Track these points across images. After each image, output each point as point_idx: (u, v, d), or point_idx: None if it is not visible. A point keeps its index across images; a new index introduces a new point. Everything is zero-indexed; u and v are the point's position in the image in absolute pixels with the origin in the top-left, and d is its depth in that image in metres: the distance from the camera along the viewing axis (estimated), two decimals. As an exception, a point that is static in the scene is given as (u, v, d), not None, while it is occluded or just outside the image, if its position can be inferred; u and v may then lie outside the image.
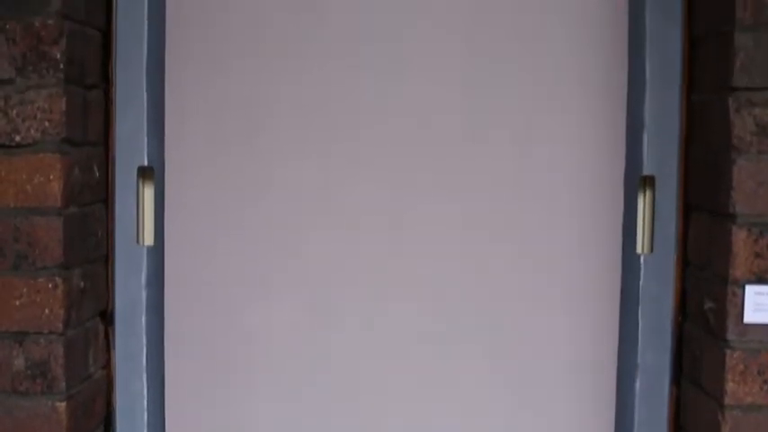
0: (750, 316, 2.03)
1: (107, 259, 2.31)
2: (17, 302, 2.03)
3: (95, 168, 2.22)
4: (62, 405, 2.05)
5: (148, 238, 2.34)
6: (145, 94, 2.31)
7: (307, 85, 2.38)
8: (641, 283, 2.30)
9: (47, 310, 2.04)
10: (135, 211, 2.32)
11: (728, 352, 2.04)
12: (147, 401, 2.34)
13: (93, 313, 2.23)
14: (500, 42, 2.37)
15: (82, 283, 2.14)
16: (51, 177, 2.02)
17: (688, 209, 2.28)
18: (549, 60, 2.37)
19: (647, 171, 2.29)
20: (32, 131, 2.01)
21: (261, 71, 2.37)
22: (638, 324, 2.30)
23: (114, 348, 2.32)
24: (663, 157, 2.28)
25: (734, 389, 2.04)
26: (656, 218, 2.30)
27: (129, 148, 2.30)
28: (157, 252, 2.35)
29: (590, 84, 2.37)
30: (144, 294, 2.32)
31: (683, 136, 2.28)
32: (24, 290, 2.03)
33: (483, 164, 2.38)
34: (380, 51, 2.37)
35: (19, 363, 2.04)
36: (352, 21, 2.37)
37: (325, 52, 2.37)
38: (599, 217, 2.38)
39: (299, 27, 2.37)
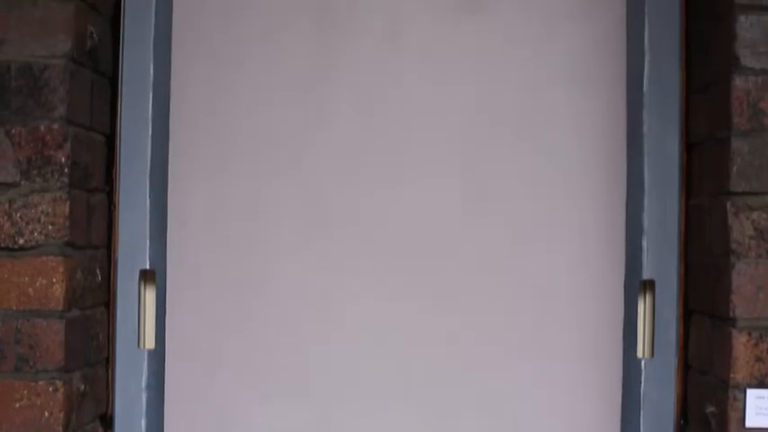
0: (752, 420, 2.02)
1: (108, 362, 2.30)
2: (17, 405, 2.02)
3: (97, 271, 2.23)
4: None
5: (149, 342, 2.34)
6: (148, 198, 2.32)
7: (307, 190, 2.39)
8: (642, 387, 2.30)
9: (47, 413, 2.03)
10: (136, 314, 2.32)
11: (731, 457, 2.04)
12: (146, 507, 2.32)
13: (93, 416, 2.22)
14: (500, 146, 2.39)
15: (82, 386, 2.13)
16: (54, 280, 2.02)
17: (688, 313, 2.28)
18: (549, 165, 2.39)
19: (647, 275, 2.30)
20: (36, 234, 2.02)
21: (262, 176, 2.39)
22: (639, 428, 2.29)
23: (113, 453, 2.31)
24: (663, 262, 2.29)
25: (737, 493, 2.03)
26: (657, 322, 2.31)
27: (132, 251, 2.31)
28: (158, 355, 2.34)
29: (589, 189, 2.38)
30: (144, 397, 2.31)
31: (683, 240, 2.29)
32: (25, 392, 2.02)
33: (482, 269, 2.38)
34: (380, 157, 2.39)
35: (18, 466, 2.03)
36: (353, 126, 2.39)
37: (326, 156, 2.39)
38: (600, 321, 2.38)
39: (300, 131, 2.39)
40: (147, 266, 2.32)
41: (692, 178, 2.27)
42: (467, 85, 2.39)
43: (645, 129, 2.31)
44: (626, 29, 2.38)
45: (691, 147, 2.28)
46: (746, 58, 2.03)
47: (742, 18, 2.04)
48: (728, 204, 2.04)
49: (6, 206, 2.02)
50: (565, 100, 2.39)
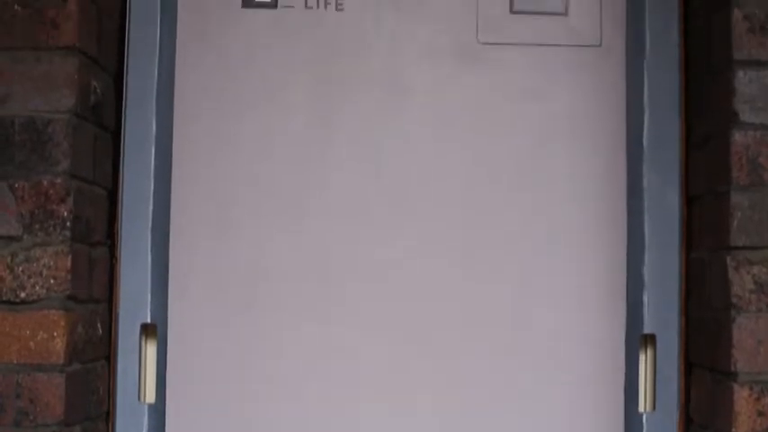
0: (754, 475, 2.02)
1: (108, 416, 2.30)
2: (17, 459, 2.02)
3: (99, 325, 2.23)
4: None
5: (150, 396, 2.34)
6: (149, 252, 2.33)
7: (309, 245, 2.39)
8: (644, 441, 2.30)
9: (47, 467, 2.03)
10: (137, 368, 2.32)
11: None
12: None
13: (93, 471, 2.21)
14: (500, 201, 2.39)
15: (82, 441, 2.13)
16: (55, 334, 2.02)
17: (689, 367, 2.28)
18: (549, 219, 2.39)
19: (647, 329, 2.30)
20: (37, 288, 2.03)
21: (263, 230, 2.39)
22: (642, 483, 2.29)
23: (113, 508, 2.30)
24: (663, 316, 2.30)
25: None
26: (658, 376, 2.30)
27: (133, 304, 2.32)
28: (159, 410, 2.34)
29: (589, 242, 2.39)
30: (144, 452, 2.32)
31: (683, 294, 2.29)
32: (25, 447, 2.02)
33: (483, 324, 2.38)
34: (382, 211, 2.40)
35: None
36: (354, 181, 2.40)
37: (328, 211, 2.40)
38: (600, 375, 2.37)
39: (302, 186, 2.40)
40: (149, 320, 2.32)
41: (693, 232, 2.28)
42: (467, 139, 2.40)
43: (645, 183, 2.33)
44: (625, 84, 2.39)
45: (691, 201, 2.29)
46: (745, 114, 2.05)
47: (740, 73, 2.05)
48: (729, 258, 2.04)
49: (8, 260, 2.02)
50: (565, 153, 2.40)
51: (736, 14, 2.06)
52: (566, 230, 2.39)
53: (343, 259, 2.39)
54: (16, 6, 2.05)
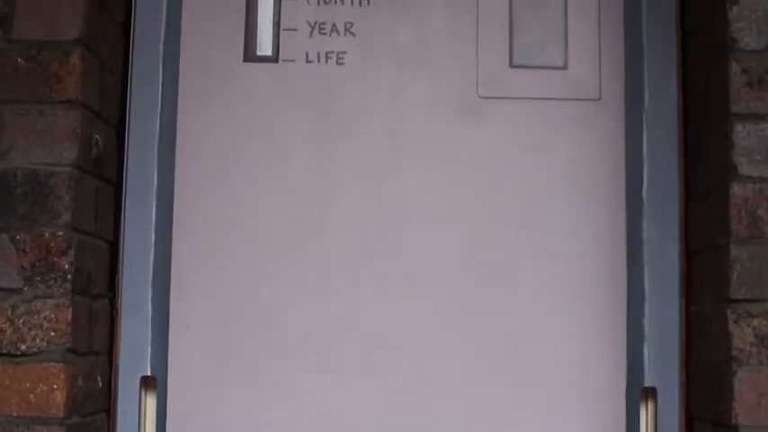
0: None
1: (107, 470, 2.29)
2: None
3: (99, 378, 2.22)
4: None
5: (149, 449, 2.34)
6: (150, 304, 2.33)
7: (307, 295, 2.39)
8: (646, 495, 2.29)
9: None
10: (137, 421, 2.31)
11: None
12: None
13: None
14: (499, 254, 2.40)
15: (81, 494, 2.12)
16: (55, 387, 2.02)
17: (690, 420, 2.27)
18: (549, 272, 2.39)
19: (648, 383, 2.30)
20: (38, 341, 2.02)
21: (263, 281, 2.39)
22: None
23: None
24: (664, 369, 2.29)
25: None
26: (659, 429, 2.29)
27: (133, 357, 2.31)
28: (158, 463, 2.33)
29: (589, 296, 2.39)
30: (144, 505, 2.31)
31: (684, 347, 2.29)
32: (24, 500, 2.01)
33: (483, 375, 2.37)
34: (381, 262, 2.40)
35: None
36: (353, 230, 2.41)
37: (327, 261, 2.40)
38: (601, 428, 2.36)
39: (301, 235, 2.41)
40: (149, 373, 2.32)
41: (693, 285, 2.28)
42: (468, 191, 2.41)
43: (645, 236, 2.33)
44: (625, 137, 2.41)
45: (690, 254, 2.30)
46: (744, 167, 2.06)
47: (739, 127, 2.06)
48: (729, 311, 2.04)
49: (9, 312, 2.02)
50: (565, 206, 2.40)
51: (735, 68, 2.07)
52: (566, 283, 2.39)
53: (343, 308, 2.39)
54: (20, 60, 2.07)
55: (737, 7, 2.08)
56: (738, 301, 2.04)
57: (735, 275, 2.04)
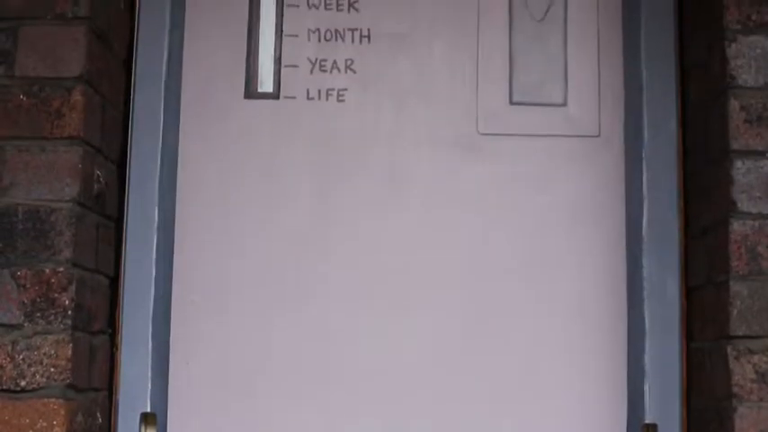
0: None
1: (106, 507, 2.28)
2: None
3: (98, 414, 2.22)
4: None
5: (149, 486, 2.33)
6: (150, 340, 2.33)
7: (309, 332, 2.39)
8: None
9: None
10: (136, 457, 2.31)
11: None
12: None
13: None
14: (500, 290, 2.40)
15: None
16: (54, 423, 2.01)
17: (691, 457, 2.27)
18: (549, 308, 2.39)
19: (649, 419, 2.29)
20: (38, 377, 2.02)
21: (264, 318, 2.39)
22: None
23: None
24: (664, 406, 2.28)
25: None
26: (660, 466, 2.29)
27: (133, 393, 2.31)
28: (157, 500, 2.32)
29: (590, 332, 2.38)
30: None
31: (684, 384, 2.29)
32: None
33: (484, 411, 2.37)
34: (382, 300, 2.40)
35: None
36: (354, 269, 2.41)
37: (328, 299, 2.40)
38: (602, 466, 2.36)
39: (302, 274, 2.41)
40: (149, 409, 2.31)
41: (693, 322, 2.28)
42: (468, 228, 2.42)
43: (645, 273, 2.33)
44: (624, 173, 2.41)
45: (690, 290, 2.30)
46: (743, 203, 2.06)
47: (738, 163, 2.07)
48: (729, 348, 2.04)
49: (9, 348, 2.02)
50: (565, 243, 2.41)
51: (734, 105, 2.08)
52: (566, 319, 2.39)
53: (343, 348, 2.39)
54: (22, 96, 2.08)
55: (736, 45, 2.10)
56: (739, 337, 2.04)
57: (735, 312, 2.04)
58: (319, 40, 2.47)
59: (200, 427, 2.37)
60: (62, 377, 2.03)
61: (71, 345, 2.04)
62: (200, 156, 2.44)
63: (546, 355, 2.38)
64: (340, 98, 2.46)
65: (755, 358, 2.03)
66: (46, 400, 2.02)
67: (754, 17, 2.10)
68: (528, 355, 2.38)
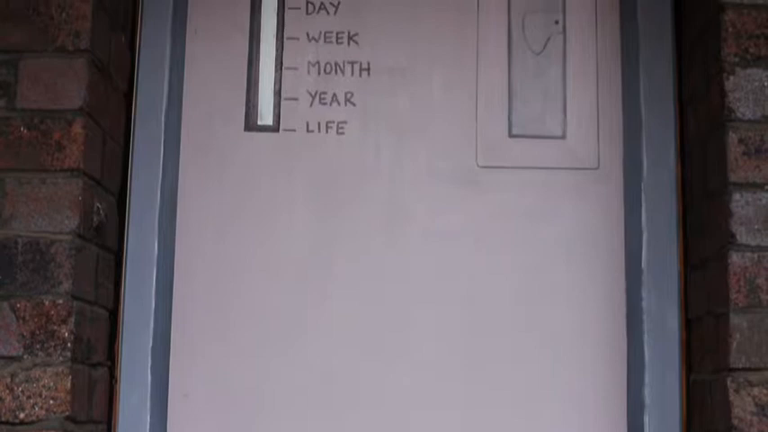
0: None
1: None
2: None
3: (97, 447, 2.22)
4: None
5: None
6: (149, 373, 2.32)
7: (308, 369, 2.39)
8: None
9: None
10: (136, 489, 2.31)
11: None
12: None
13: None
14: (499, 326, 2.40)
15: None
16: (53, 455, 2.02)
17: (692, 490, 2.26)
18: (549, 342, 2.39)
19: (649, 452, 2.29)
20: (37, 409, 2.02)
21: (264, 352, 2.39)
22: None
23: None
24: (665, 438, 2.29)
25: None
26: (661, 499, 2.29)
27: (132, 425, 2.30)
28: None
29: (590, 365, 2.38)
30: None
31: (684, 416, 2.28)
32: None
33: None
34: (382, 338, 2.40)
35: None
36: (354, 306, 2.41)
37: (327, 336, 2.40)
38: (603, 499, 2.36)
39: (302, 311, 2.41)
40: (148, 442, 2.31)
41: (693, 354, 2.28)
42: (468, 260, 2.42)
43: (644, 305, 2.33)
44: (623, 206, 2.42)
45: (690, 323, 2.30)
46: (742, 236, 2.06)
47: (737, 196, 2.07)
48: (729, 380, 2.04)
49: (8, 380, 2.02)
50: (564, 275, 2.41)
51: (732, 137, 2.09)
52: (565, 353, 2.39)
53: (344, 382, 2.38)
54: (23, 128, 2.08)
55: (734, 78, 2.10)
56: (738, 369, 2.03)
57: (734, 344, 2.04)
58: (319, 73, 2.48)
59: (200, 460, 2.37)
60: (61, 409, 2.02)
61: (70, 377, 2.04)
62: (200, 188, 2.45)
63: (545, 388, 2.38)
64: (340, 131, 2.47)
65: (755, 391, 2.03)
66: (45, 432, 2.02)
67: (751, 50, 2.11)
68: (527, 388, 2.38)
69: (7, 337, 2.03)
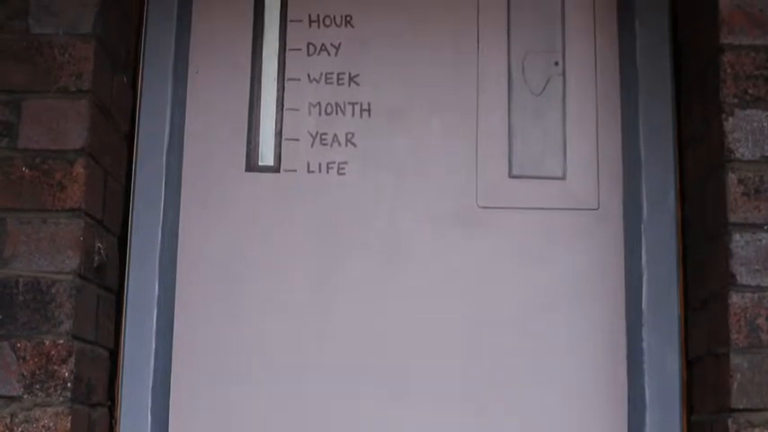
0: None
1: None
2: None
3: (97, 487, 2.21)
4: None
5: None
6: (149, 413, 2.32)
7: (308, 405, 2.38)
8: None
9: None
10: None
11: None
12: None
13: None
14: (499, 366, 2.40)
15: None
16: (52, 495, 2.01)
17: None
18: (548, 384, 2.39)
19: (651, 494, 2.29)
20: (36, 449, 2.02)
21: (263, 391, 2.39)
22: None
23: None
24: (666, 478, 2.28)
25: None
26: None
27: (132, 466, 2.30)
28: None
29: (590, 406, 2.38)
30: None
31: (686, 457, 2.28)
32: None
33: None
34: (381, 374, 2.40)
35: None
36: (353, 342, 2.41)
37: (327, 382, 2.40)
38: None
39: (302, 346, 2.41)
40: (148, 476, 2.31)
41: (693, 395, 2.27)
42: (468, 301, 2.42)
43: (645, 345, 2.33)
44: (624, 246, 2.42)
45: (691, 363, 2.29)
46: (742, 276, 2.07)
47: (737, 236, 2.08)
48: (730, 421, 2.03)
49: (8, 420, 2.02)
50: (565, 315, 2.41)
51: (731, 178, 2.09)
52: (566, 393, 2.38)
53: (342, 424, 2.38)
54: (24, 168, 2.09)
55: (733, 119, 2.11)
56: (739, 410, 2.03)
57: (735, 385, 2.04)
58: (320, 114, 2.50)
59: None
60: (60, 450, 2.02)
61: (70, 417, 2.03)
62: (201, 229, 2.45)
63: (544, 428, 2.37)
64: (340, 171, 2.47)
65: (756, 431, 2.02)
66: (43, 473, 2.01)
67: (750, 91, 2.12)
68: (526, 427, 2.37)
69: (7, 377, 2.03)
